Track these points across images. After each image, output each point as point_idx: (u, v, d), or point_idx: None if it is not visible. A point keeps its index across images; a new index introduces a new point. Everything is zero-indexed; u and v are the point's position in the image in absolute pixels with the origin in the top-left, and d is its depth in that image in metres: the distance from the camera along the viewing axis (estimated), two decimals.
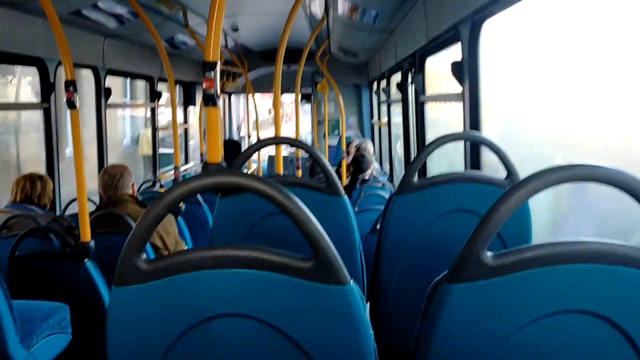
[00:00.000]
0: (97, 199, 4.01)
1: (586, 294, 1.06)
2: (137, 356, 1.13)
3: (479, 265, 1.07)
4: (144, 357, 1.12)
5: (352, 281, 1.11)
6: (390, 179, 6.86)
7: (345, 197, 2.11)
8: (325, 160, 2.14)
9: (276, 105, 3.83)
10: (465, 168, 3.01)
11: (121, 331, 1.12)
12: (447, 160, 4.31)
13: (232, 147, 9.76)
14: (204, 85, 1.86)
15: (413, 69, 4.63)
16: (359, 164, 5.29)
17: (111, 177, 3.52)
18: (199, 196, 4.71)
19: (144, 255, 1.09)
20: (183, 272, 1.08)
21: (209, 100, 1.90)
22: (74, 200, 3.72)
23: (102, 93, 5.09)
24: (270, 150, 9.49)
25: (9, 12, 3.56)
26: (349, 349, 1.11)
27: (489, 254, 1.07)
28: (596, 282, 1.05)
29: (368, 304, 2.47)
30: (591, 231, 2.60)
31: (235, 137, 12.14)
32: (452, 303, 1.08)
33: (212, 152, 1.97)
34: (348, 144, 6.55)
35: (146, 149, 8.80)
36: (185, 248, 3.74)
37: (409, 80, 4.96)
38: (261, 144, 2.24)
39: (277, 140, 2.45)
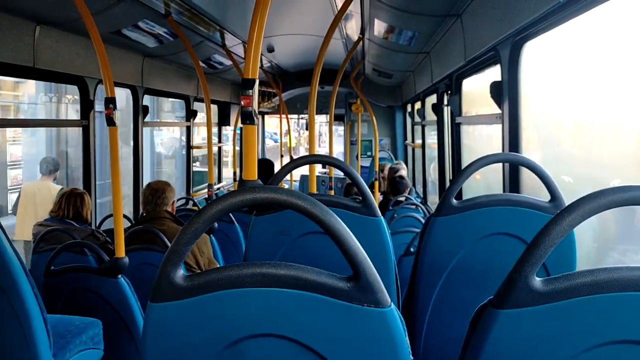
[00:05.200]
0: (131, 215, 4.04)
1: None
2: None
3: (527, 291, 1.02)
4: None
5: (392, 304, 1.07)
6: (424, 201, 6.78)
7: (382, 218, 2.07)
8: (362, 180, 2.11)
9: (311, 125, 3.86)
10: (504, 191, 2.94)
11: (156, 347, 1.10)
12: (484, 184, 4.22)
13: (265, 166, 9.80)
14: (242, 103, 1.86)
15: (449, 91, 4.59)
16: (396, 185, 5.28)
17: (152, 192, 3.54)
18: (231, 215, 4.71)
19: (181, 272, 1.07)
20: (220, 290, 1.06)
21: (247, 118, 1.89)
22: (110, 216, 3.77)
23: (140, 111, 5.18)
24: (300, 171, 9.49)
25: (53, 32, 3.66)
26: None
27: (538, 279, 1.02)
28: None
29: None
30: None
31: None
32: (498, 329, 1.03)
33: (249, 169, 1.96)
34: (381, 168, 6.53)
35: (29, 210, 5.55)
36: None
37: (445, 102, 4.92)
38: (301, 160, 2.22)
39: (317, 159, 2.42)
